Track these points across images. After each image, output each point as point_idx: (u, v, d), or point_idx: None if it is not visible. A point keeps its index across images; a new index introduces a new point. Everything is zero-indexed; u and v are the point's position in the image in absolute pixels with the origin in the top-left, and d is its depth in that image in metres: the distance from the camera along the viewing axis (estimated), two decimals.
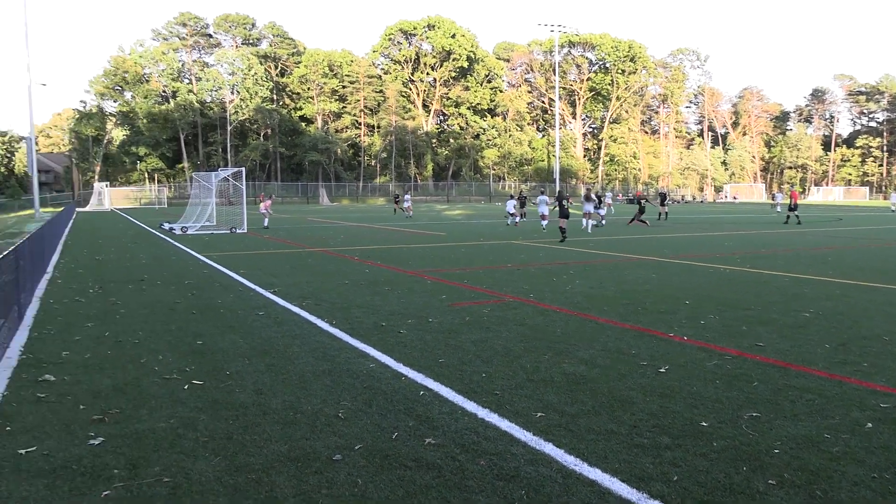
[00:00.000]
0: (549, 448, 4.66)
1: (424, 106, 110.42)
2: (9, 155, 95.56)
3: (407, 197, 45.17)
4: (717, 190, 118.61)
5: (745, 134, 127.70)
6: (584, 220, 28.45)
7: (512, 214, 33.36)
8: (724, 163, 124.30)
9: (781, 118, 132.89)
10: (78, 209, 62.93)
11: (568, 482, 4.13)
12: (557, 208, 24.12)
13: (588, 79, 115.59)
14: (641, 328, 8.57)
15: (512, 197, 36.16)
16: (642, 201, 33.82)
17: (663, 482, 4.12)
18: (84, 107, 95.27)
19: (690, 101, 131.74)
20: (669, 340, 7.88)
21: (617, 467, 4.34)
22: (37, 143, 75.06)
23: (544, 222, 28.71)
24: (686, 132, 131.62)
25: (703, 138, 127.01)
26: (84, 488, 4.06)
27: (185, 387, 6.11)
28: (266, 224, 31.57)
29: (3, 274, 7.75)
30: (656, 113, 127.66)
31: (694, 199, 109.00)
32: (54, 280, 13.59)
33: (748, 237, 25.21)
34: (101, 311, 10.03)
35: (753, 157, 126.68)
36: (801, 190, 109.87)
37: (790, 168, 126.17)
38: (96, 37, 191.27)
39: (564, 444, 4.72)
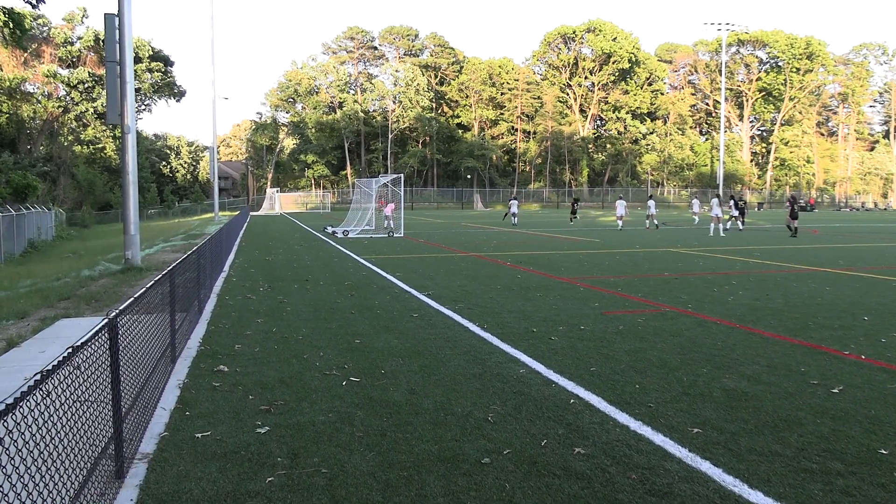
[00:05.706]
0: (705, 466, 4.45)
1: (581, 111, 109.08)
2: (194, 163, 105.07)
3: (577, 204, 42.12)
4: None
5: None
6: (712, 225, 31.38)
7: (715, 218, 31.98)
8: None
9: None
10: (252, 213, 67.61)
11: None
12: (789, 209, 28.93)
13: (758, 79, 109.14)
14: (812, 344, 7.98)
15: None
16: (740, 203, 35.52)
17: None
18: (260, 118, 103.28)
19: (875, 100, 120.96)
20: (844, 359, 7.28)
21: (782, 492, 4.06)
22: (218, 153, 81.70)
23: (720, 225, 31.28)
24: (869, 133, 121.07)
25: (888, 140, 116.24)
26: (251, 473, 4.35)
27: (344, 383, 6.40)
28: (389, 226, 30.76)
29: (187, 272, 8.48)
30: (834, 113, 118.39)
31: (876, 206, 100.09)
32: (230, 278, 14.70)
33: None
34: (269, 308, 10.73)
35: None
36: None
37: None
38: (272, 53, 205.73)
39: (723, 463, 4.48)
